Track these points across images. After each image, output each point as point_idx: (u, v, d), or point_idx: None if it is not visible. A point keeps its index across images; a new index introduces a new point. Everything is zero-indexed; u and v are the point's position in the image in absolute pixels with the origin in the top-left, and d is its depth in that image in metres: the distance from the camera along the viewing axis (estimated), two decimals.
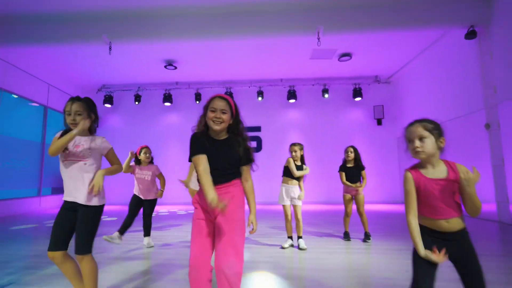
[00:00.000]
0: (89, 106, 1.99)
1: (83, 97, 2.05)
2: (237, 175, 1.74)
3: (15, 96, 7.28)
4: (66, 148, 1.90)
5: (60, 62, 7.88)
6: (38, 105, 8.09)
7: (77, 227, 1.85)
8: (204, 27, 5.72)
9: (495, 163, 5.15)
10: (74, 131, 1.87)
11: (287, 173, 3.67)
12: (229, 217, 1.64)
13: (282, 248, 3.51)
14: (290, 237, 3.65)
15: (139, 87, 9.68)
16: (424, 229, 1.50)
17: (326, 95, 9.16)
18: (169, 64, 7.97)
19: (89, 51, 7.29)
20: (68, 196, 1.88)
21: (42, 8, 5.46)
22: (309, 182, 9.24)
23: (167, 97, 9.40)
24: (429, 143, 1.49)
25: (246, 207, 1.78)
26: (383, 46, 7.21)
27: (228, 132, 1.79)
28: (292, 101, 9.26)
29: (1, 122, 6.81)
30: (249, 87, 9.53)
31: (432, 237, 1.48)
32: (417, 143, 1.50)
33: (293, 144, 3.70)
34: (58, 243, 1.85)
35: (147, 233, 3.74)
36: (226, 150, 1.73)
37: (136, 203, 3.71)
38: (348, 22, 5.42)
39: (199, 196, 1.72)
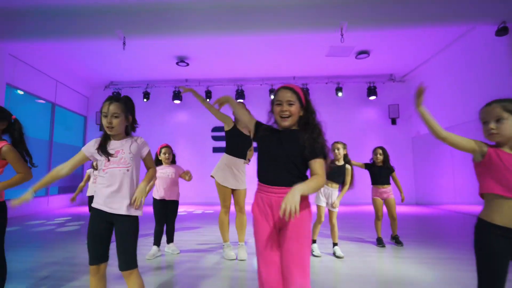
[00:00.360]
0: (127, 107, 1.80)
1: (121, 96, 1.85)
2: (304, 178, 1.53)
3: (21, 93, 7.07)
4: (109, 155, 1.71)
5: (67, 57, 7.67)
6: (44, 102, 7.88)
7: (120, 241, 1.66)
8: (222, 21, 5.48)
9: None
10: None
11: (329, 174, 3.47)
12: (298, 233, 1.45)
13: (315, 256, 3.32)
14: (315, 241, 3.45)
15: (147, 84, 9.47)
16: (493, 228, 1.32)
17: (340, 94, 8.96)
18: (181, 60, 7.75)
19: (97, 47, 7.07)
20: (104, 206, 1.69)
21: (52, 1, 5.23)
22: None
23: (177, 95, 9.20)
24: (507, 126, 1.32)
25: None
26: (400, 43, 6.99)
27: (298, 125, 1.59)
28: None
29: None
30: (260, 85, 9.32)
31: (504, 237, 1.29)
32: (493, 124, 1.35)
33: (336, 142, 3.49)
34: (100, 255, 1.68)
35: (171, 239, 3.55)
36: (289, 142, 1.51)
37: (160, 207, 3.49)
38: (373, 17, 5.19)
39: (260, 202, 1.50)
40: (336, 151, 3.43)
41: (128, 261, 1.64)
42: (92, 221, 1.71)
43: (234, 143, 3.36)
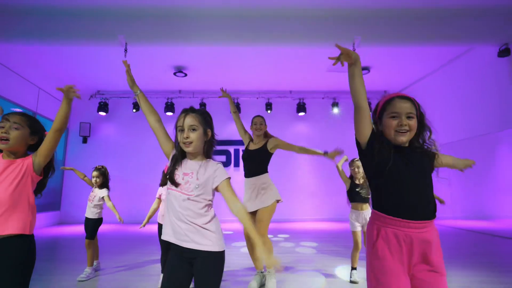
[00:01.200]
0: (205, 120, 1.51)
1: (198, 109, 1.56)
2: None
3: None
4: (176, 185, 1.41)
5: (51, 62, 7.09)
6: (22, 110, 7.19)
7: (203, 280, 1.33)
8: (227, 30, 5.30)
9: None
10: None
11: (354, 196, 3.27)
12: (438, 271, 1.21)
13: (352, 281, 3.08)
14: (355, 268, 3.21)
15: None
16: None
17: (336, 110, 8.99)
18: (179, 71, 7.43)
19: (84, 52, 6.60)
20: (182, 241, 1.37)
21: (50, 1, 4.80)
22: (317, 198, 8.99)
23: (169, 106, 8.80)
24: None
25: None
26: (399, 60, 7.16)
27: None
28: (301, 114, 8.99)
29: None
30: (257, 98, 9.16)
31: None
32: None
33: (356, 160, 3.31)
34: None
35: None
36: (418, 164, 1.31)
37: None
38: (386, 33, 5.24)
39: (392, 239, 1.23)
40: (356, 169, 3.28)
41: None
42: (172, 257, 1.38)
43: (246, 163, 3.12)
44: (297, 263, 3.84)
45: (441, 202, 3.42)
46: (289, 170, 8.99)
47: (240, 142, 9.11)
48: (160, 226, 3.06)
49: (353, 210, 3.24)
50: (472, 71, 6.60)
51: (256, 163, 3.08)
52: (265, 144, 3.06)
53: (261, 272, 2.93)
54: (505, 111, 5.62)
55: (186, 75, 7.69)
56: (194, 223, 1.36)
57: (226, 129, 9.23)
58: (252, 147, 3.17)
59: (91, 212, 3.47)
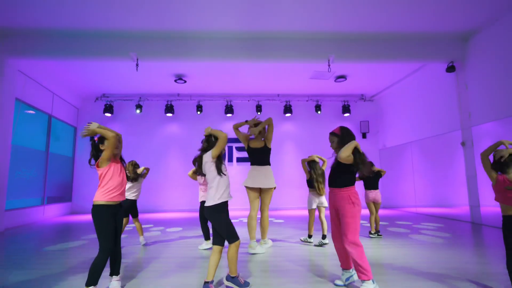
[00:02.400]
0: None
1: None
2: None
3: (31, 112, 7.27)
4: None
5: (64, 70, 7.93)
6: (34, 112, 7.95)
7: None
8: (224, 50, 6.31)
9: (469, 174, 6.33)
10: None
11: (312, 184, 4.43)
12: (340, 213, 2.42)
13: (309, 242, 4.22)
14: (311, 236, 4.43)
15: (140, 97, 9.93)
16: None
17: (319, 112, 10.09)
18: (179, 78, 8.40)
19: (91, 62, 7.39)
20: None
21: (72, 24, 5.72)
22: (301, 188, 10.14)
23: (169, 108, 9.74)
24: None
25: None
26: (372, 70, 8.28)
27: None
28: (288, 115, 10.07)
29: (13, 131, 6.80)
30: (248, 101, 10.20)
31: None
32: None
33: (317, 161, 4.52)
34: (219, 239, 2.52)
35: (208, 237, 4.23)
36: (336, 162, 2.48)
37: (201, 209, 4.18)
38: (355, 52, 6.35)
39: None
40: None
41: (230, 238, 2.52)
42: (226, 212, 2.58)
43: (254, 156, 4.14)
44: (279, 236, 4.94)
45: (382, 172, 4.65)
46: (279, 165, 10.10)
47: (233, 140, 10.18)
48: (201, 204, 4.15)
49: (311, 194, 4.38)
50: (429, 81, 7.79)
51: (261, 156, 4.10)
52: (265, 144, 4.09)
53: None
54: (453, 115, 6.82)
55: (185, 81, 8.66)
56: None
57: (221, 128, 10.21)
58: (254, 145, 4.12)
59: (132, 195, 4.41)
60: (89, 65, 7.70)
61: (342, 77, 8.56)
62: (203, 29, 5.98)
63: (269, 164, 4.15)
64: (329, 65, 6.48)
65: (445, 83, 7.12)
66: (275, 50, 6.29)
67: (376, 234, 4.85)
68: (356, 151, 2.49)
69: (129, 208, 4.34)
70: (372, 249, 4.06)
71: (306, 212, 9.02)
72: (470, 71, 6.35)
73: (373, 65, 7.64)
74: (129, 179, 4.27)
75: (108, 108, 9.60)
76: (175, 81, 8.57)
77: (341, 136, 2.59)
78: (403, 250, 3.95)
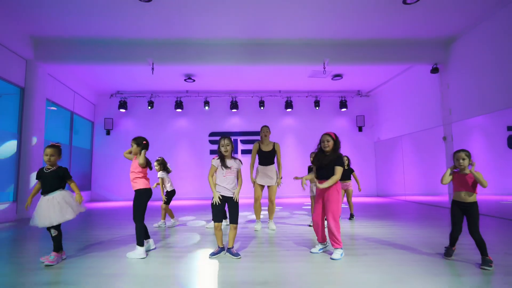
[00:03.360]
0: (231, 141, 3.38)
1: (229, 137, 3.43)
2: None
3: (49, 103, 8.10)
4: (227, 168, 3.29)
5: (82, 70, 8.72)
6: (56, 108, 8.74)
7: (231, 208, 3.27)
8: (230, 54, 7.06)
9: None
10: None
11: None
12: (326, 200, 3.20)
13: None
14: None
15: (152, 94, 10.72)
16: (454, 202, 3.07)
17: (317, 107, 10.82)
18: (189, 77, 9.17)
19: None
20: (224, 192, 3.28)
21: (97, 33, 6.50)
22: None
23: (179, 104, 10.53)
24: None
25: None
26: (366, 69, 8.96)
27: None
28: (289, 110, 10.82)
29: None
30: (251, 97, 10.95)
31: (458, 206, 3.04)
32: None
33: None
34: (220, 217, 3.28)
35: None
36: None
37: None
38: (347, 56, 7.07)
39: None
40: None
41: (234, 219, 3.27)
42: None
43: (263, 158, 4.93)
44: (283, 219, 5.78)
45: (359, 189, 5.48)
46: (281, 156, 10.92)
47: (237, 134, 10.98)
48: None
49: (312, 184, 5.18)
50: (417, 80, 8.49)
51: (269, 158, 4.91)
52: (273, 148, 4.86)
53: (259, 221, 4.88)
54: (437, 112, 7.54)
55: (194, 80, 9.42)
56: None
57: (226, 123, 11.07)
58: (265, 148, 4.89)
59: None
60: (106, 65, 8.47)
61: (338, 75, 9.26)
62: (211, 37, 6.72)
63: (273, 163, 4.92)
64: (324, 68, 7.21)
65: (430, 83, 7.82)
66: (275, 54, 7.02)
67: (350, 216, 5.70)
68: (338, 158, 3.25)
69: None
70: (350, 228, 4.89)
71: (301, 200, 9.89)
72: (451, 72, 7.04)
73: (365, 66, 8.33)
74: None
75: (123, 104, 10.41)
76: (185, 80, 9.34)
77: (336, 141, 3.33)
78: (377, 229, 4.78)
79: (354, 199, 9.32)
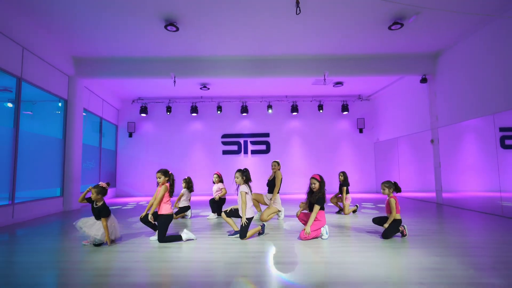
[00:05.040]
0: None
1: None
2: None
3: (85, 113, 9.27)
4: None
5: (109, 81, 9.85)
6: (84, 114, 9.93)
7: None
8: (240, 68, 8.07)
9: (436, 166, 7.99)
10: None
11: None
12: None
13: None
14: None
15: (169, 100, 11.82)
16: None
17: (321, 110, 11.76)
18: (204, 86, 10.24)
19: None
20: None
21: (125, 53, 7.60)
22: (305, 176, 11.93)
23: (194, 109, 11.61)
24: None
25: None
26: (365, 77, 9.85)
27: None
28: (294, 113, 11.78)
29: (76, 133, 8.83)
30: (260, 101, 11.96)
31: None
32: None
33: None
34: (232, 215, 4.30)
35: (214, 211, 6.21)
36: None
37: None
38: (344, 68, 8.01)
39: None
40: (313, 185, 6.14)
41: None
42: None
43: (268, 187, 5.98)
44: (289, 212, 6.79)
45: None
46: (287, 156, 11.93)
47: (247, 135, 12.02)
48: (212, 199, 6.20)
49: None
50: (410, 88, 9.36)
51: (272, 187, 5.93)
52: (274, 177, 5.89)
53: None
54: (426, 117, 8.42)
55: (208, 89, 10.48)
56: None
57: (237, 125, 12.10)
58: (270, 177, 5.98)
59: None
60: (134, 79, 9.59)
61: (339, 83, 10.19)
62: (224, 54, 7.76)
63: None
64: (324, 79, 8.16)
65: (421, 90, 8.69)
66: (280, 68, 8.01)
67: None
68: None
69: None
70: (344, 218, 5.89)
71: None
72: (438, 82, 7.91)
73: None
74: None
75: (143, 109, 11.54)
76: (200, 88, 10.40)
77: (320, 182, 4.28)
78: (363, 221, 5.76)
79: (353, 195, 10.27)
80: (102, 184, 4.06)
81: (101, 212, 3.90)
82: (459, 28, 6.56)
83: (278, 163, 5.98)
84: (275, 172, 5.89)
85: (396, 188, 4.16)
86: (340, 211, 6.56)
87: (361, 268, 2.89)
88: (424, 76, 8.11)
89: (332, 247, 3.72)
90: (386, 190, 4.18)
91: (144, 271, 2.89)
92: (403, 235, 4.11)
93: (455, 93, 7.28)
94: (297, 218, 4.85)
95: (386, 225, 4.03)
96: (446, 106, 7.61)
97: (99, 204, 3.95)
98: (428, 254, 3.32)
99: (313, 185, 4.25)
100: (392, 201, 4.07)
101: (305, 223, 4.37)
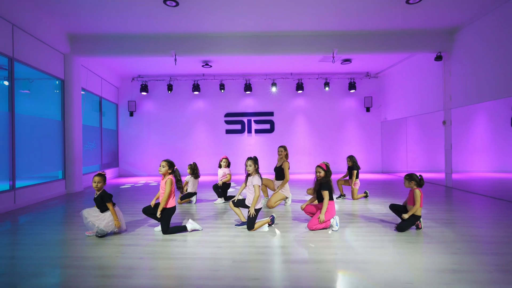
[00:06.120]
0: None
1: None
2: None
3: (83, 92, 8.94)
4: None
5: (107, 59, 9.41)
6: (83, 93, 9.58)
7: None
8: (244, 46, 7.62)
9: (446, 148, 7.74)
10: None
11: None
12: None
13: None
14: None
15: (170, 77, 11.41)
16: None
17: (327, 88, 11.34)
18: (206, 63, 9.79)
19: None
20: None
21: (125, 30, 7.15)
22: (310, 155, 11.76)
23: (196, 87, 11.22)
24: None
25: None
26: (374, 55, 9.35)
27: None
28: (300, 91, 11.38)
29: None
30: (264, 79, 11.52)
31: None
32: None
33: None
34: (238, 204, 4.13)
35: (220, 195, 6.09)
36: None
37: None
38: (354, 46, 7.54)
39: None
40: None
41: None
42: None
43: (276, 173, 5.75)
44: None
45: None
46: (292, 136, 11.68)
47: (251, 114, 11.71)
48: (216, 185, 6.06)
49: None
50: (422, 66, 8.89)
51: (279, 174, 5.70)
52: (281, 165, 5.64)
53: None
54: (439, 97, 8.05)
55: (210, 66, 10.04)
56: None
57: (241, 104, 11.76)
58: (278, 164, 5.74)
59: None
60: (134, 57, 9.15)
61: (347, 60, 9.71)
62: (227, 31, 7.29)
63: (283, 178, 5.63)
64: (333, 57, 7.72)
65: (435, 69, 8.25)
66: (286, 45, 7.56)
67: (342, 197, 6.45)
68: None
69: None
70: (351, 204, 5.75)
71: (312, 176, 10.74)
72: (454, 61, 7.46)
73: None
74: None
75: (144, 88, 11.17)
76: (202, 66, 9.96)
77: (326, 171, 4.07)
78: (373, 208, 5.61)
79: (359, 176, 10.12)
80: (103, 172, 3.95)
81: (104, 198, 3.79)
82: (480, 3, 6.05)
83: (285, 149, 5.75)
84: (282, 158, 5.68)
85: (420, 182, 3.94)
86: (341, 196, 6.39)
87: (377, 268, 2.74)
88: (439, 54, 7.65)
89: (343, 240, 3.57)
90: (407, 183, 3.99)
91: (148, 271, 2.76)
92: (418, 228, 3.95)
93: (472, 73, 6.87)
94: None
95: (406, 216, 3.83)
96: (461, 86, 7.23)
97: (99, 192, 3.84)
98: (446, 251, 3.16)
99: (318, 173, 4.15)
100: (418, 192, 3.84)
101: (312, 215, 4.23)
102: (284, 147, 5.75)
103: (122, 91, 11.77)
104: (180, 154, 11.61)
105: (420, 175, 4.01)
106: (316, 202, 4.32)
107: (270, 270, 2.74)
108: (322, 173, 4.08)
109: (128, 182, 9.89)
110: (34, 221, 4.76)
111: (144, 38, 7.46)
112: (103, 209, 3.84)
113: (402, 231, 3.86)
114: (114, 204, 3.89)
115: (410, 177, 3.98)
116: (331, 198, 4.01)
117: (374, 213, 4.98)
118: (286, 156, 5.76)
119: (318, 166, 4.13)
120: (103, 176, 3.89)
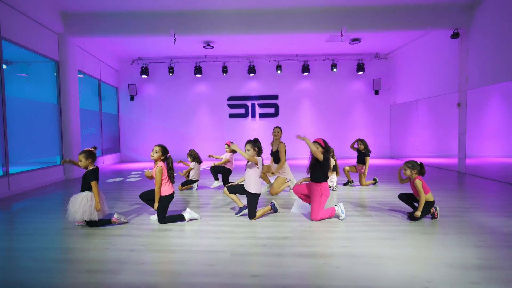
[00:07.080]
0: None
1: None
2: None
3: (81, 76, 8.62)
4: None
5: (105, 41, 9.03)
6: (81, 76, 9.26)
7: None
8: (246, 24, 7.17)
9: (461, 132, 7.32)
10: None
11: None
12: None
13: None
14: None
15: (171, 60, 11.00)
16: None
17: (335, 69, 10.85)
18: (208, 44, 9.35)
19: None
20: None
21: (122, 6, 6.74)
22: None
23: (198, 69, 10.82)
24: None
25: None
26: (385, 33, 8.82)
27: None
28: (305, 73, 10.92)
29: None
30: (269, 61, 11.05)
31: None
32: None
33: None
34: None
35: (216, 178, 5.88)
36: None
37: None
38: (364, 23, 7.04)
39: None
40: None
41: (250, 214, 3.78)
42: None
43: (273, 157, 5.41)
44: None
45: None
46: (297, 120, 11.31)
47: (255, 98, 11.33)
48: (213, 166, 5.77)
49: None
50: (436, 45, 8.35)
51: (277, 158, 5.35)
52: (277, 149, 5.28)
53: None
54: (454, 78, 7.57)
55: (212, 47, 9.59)
56: None
57: (244, 87, 11.36)
58: (274, 149, 5.40)
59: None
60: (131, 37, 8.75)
61: (356, 40, 9.18)
62: (230, 7, 6.83)
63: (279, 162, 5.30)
64: (342, 35, 7.24)
65: (450, 48, 7.73)
66: (293, 23, 7.09)
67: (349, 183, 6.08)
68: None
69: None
70: (359, 191, 5.45)
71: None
72: (472, 38, 6.94)
73: None
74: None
75: (144, 71, 10.81)
76: (204, 47, 9.52)
77: (324, 148, 3.65)
78: (374, 192, 5.30)
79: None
80: (87, 149, 3.63)
81: (87, 177, 3.43)
82: None
83: (281, 130, 5.40)
84: (277, 140, 5.34)
85: (421, 170, 3.60)
86: (349, 182, 6.04)
87: (392, 263, 2.46)
88: (456, 31, 7.12)
89: (351, 231, 3.29)
90: (408, 171, 3.61)
91: (139, 266, 2.51)
92: (433, 217, 3.64)
93: (493, 51, 6.36)
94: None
95: (418, 213, 3.51)
96: (480, 65, 6.74)
97: (89, 169, 3.51)
98: (468, 243, 2.87)
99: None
100: (418, 182, 3.52)
101: (303, 197, 3.93)
102: (280, 129, 5.41)
103: (122, 74, 11.42)
104: (183, 139, 11.35)
105: (420, 162, 3.67)
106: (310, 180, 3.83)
107: (271, 265, 2.47)
108: (320, 149, 3.66)
109: (130, 168, 9.69)
110: (28, 208, 4.56)
111: (141, 16, 7.04)
112: (84, 188, 3.49)
113: (415, 220, 3.56)
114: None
115: (412, 165, 3.61)
116: (325, 179, 3.67)
117: (384, 201, 4.67)
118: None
119: (315, 141, 3.68)
120: (86, 152, 3.53)
